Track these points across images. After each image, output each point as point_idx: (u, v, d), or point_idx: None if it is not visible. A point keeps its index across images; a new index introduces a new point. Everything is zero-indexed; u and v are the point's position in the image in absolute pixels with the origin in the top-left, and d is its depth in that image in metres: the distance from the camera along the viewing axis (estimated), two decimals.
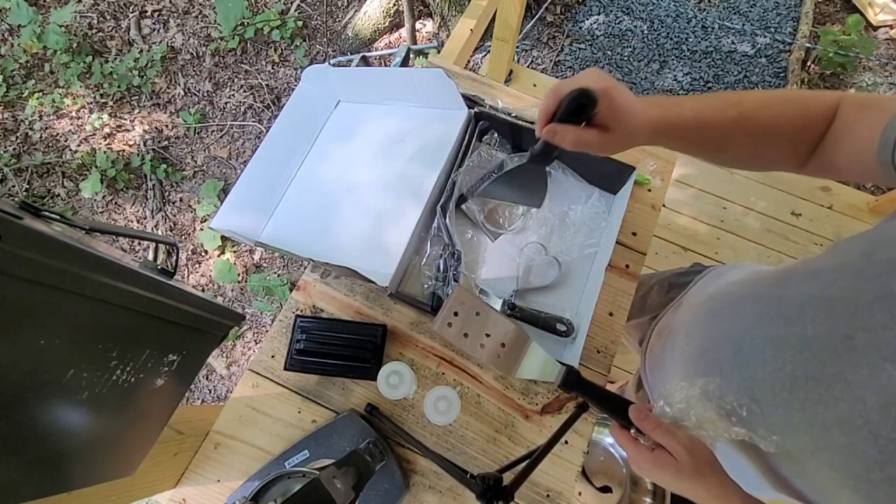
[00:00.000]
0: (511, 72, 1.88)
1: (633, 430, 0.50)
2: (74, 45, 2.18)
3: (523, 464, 0.58)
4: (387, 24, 2.19)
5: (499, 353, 0.55)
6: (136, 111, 2.16)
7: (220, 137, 2.13)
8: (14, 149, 2.07)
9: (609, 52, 2.16)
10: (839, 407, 0.38)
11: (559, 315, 0.76)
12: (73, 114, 2.14)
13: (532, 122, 0.87)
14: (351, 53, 0.92)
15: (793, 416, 0.42)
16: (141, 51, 2.22)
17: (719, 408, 0.47)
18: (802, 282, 0.45)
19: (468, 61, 1.95)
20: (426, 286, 0.78)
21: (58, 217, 0.42)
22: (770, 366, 0.45)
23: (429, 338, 0.79)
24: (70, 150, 2.09)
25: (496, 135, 0.84)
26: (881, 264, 0.37)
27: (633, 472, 1.25)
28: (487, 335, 0.55)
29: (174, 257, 0.65)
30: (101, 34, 2.27)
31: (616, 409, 0.52)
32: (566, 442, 0.74)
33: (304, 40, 2.24)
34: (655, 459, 0.47)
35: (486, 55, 2.10)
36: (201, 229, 1.99)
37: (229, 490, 0.72)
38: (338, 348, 0.76)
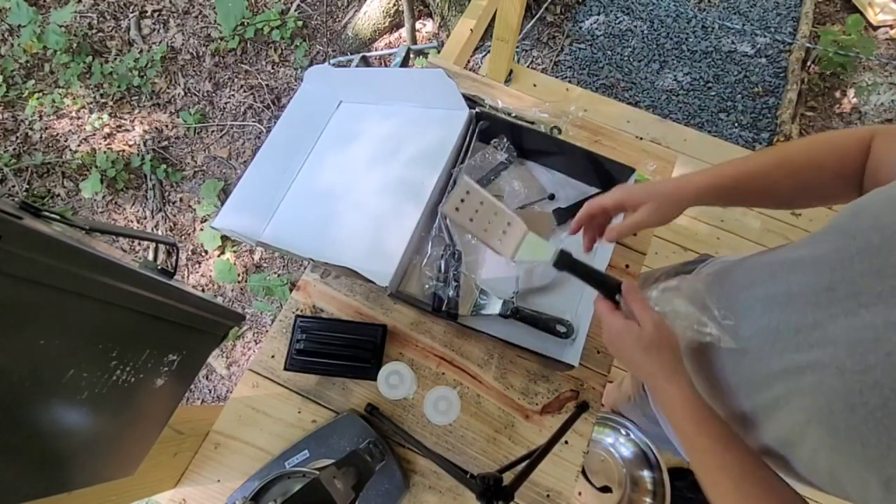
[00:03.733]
0: (511, 72, 1.88)
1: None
2: (74, 45, 2.18)
3: (523, 464, 0.58)
4: (387, 24, 2.19)
5: (500, 238, 0.62)
6: (136, 111, 2.16)
7: (220, 137, 2.13)
8: (14, 149, 2.07)
9: (609, 52, 2.16)
10: (814, 352, 0.41)
11: (559, 316, 0.76)
12: (73, 114, 2.14)
13: (532, 123, 0.87)
14: (351, 53, 0.92)
15: (772, 368, 0.45)
16: (141, 51, 2.22)
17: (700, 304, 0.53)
18: (794, 246, 0.49)
19: (468, 61, 1.95)
20: (427, 286, 0.78)
21: (58, 217, 0.42)
22: (757, 323, 0.48)
23: (429, 338, 0.79)
24: (70, 150, 2.09)
25: (505, 140, 0.84)
26: (865, 222, 0.40)
27: (632, 472, 1.25)
28: (489, 222, 0.63)
29: (174, 257, 0.65)
30: (101, 34, 2.27)
31: (605, 285, 0.56)
32: (566, 442, 0.74)
33: (304, 40, 2.24)
34: (624, 325, 0.52)
35: (486, 55, 2.10)
36: (201, 229, 1.98)
37: (229, 490, 0.72)
38: (338, 348, 0.76)
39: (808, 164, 0.55)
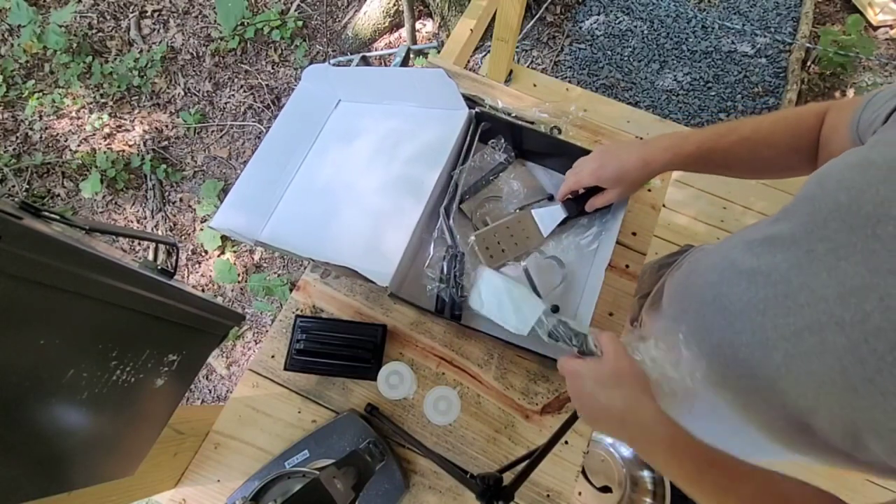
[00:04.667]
0: (511, 72, 1.87)
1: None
2: (74, 45, 2.18)
3: (523, 464, 0.58)
4: (387, 24, 2.19)
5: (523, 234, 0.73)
6: (136, 111, 2.16)
7: (220, 137, 2.13)
8: (14, 149, 2.07)
9: (609, 52, 2.16)
10: (805, 312, 0.42)
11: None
12: (73, 114, 2.14)
13: (532, 123, 0.87)
14: (351, 53, 0.91)
15: (768, 337, 0.46)
16: (141, 51, 2.22)
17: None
18: (768, 223, 0.51)
19: (468, 61, 1.95)
20: (429, 288, 0.78)
21: (58, 217, 0.42)
22: (746, 296, 0.49)
23: (429, 338, 0.79)
24: (70, 150, 2.09)
25: (503, 140, 0.84)
26: (830, 185, 0.43)
27: (632, 472, 1.25)
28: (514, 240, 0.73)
29: (174, 257, 0.65)
30: (101, 34, 2.27)
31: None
32: (566, 442, 0.74)
33: (304, 40, 2.24)
34: (580, 363, 0.52)
35: (486, 55, 2.10)
36: (201, 229, 1.98)
37: (229, 490, 0.72)
38: (338, 348, 0.76)
39: (765, 143, 0.59)
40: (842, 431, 0.41)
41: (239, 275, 1.91)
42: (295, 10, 2.28)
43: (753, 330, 0.48)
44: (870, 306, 0.36)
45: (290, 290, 1.68)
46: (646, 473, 1.23)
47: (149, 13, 2.30)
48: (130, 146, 2.10)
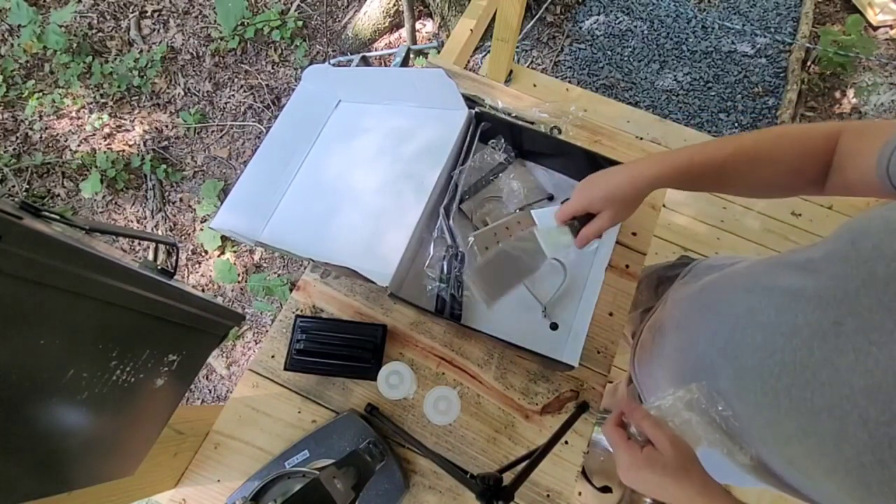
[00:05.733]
0: (511, 72, 1.87)
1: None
2: (74, 45, 2.18)
3: (523, 464, 0.58)
4: (387, 24, 2.19)
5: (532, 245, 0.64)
6: (136, 111, 2.16)
7: (220, 137, 2.13)
8: (14, 149, 2.07)
9: (609, 52, 2.16)
10: (826, 392, 0.39)
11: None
12: (73, 114, 2.14)
13: (532, 123, 0.87)
14: (351, 53, 0.91)
15: (780, 403, 0.43)
16: (141, 51, 2.22)
17: (705, 414, 0.49)
18: (793, 272, 0.47)
19: (468, 61, 1.95)
20: (430, 288, 0.78)
21: (58, 217, 0.42)
22: (760, 353, 0.46)
23: (429, 338, 0.79)
24: (70, 150, 2.09)
25: (503, 140, 0.84)
26: (866, 250, 0.39)
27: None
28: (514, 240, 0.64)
29: (174, 257, 0.65)
30: (101, 34, 2.27)
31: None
32: (566, 442, 0.74)
33: (304, 40, 2.24)
34: (647, 457, 0.47)
35: (486, 55, 2.10)
36: (201, 229, 1.98)
37: (229, 490, 0.72)
38: (338, 348, 0.76)
39: (768, 159, 0.54)
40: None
41: (239, 275, 1.91)
42: (295, 10, 2.28)
43: (764, 391, 0.45)
44: None
45: (290, 290, 1.68)
46: None
47: (149, 13, 2.30)
48: (130, 146, 2.10)
